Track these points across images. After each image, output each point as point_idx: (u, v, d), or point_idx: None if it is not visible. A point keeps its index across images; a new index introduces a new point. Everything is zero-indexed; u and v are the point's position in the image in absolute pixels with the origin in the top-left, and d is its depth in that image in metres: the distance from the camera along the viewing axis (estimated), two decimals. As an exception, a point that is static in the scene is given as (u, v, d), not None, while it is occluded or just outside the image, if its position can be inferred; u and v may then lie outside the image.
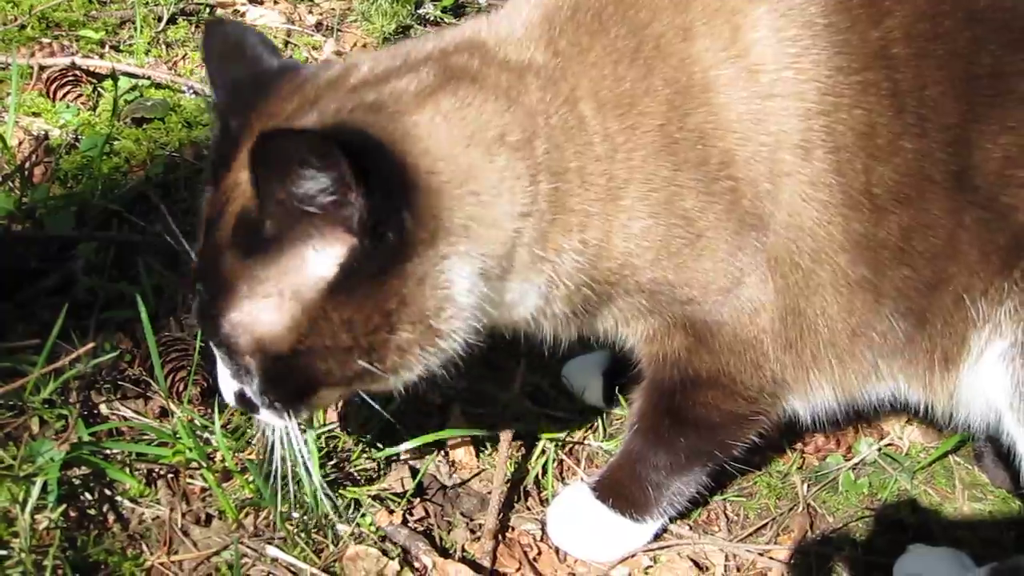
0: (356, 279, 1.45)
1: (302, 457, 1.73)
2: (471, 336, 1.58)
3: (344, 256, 1.45)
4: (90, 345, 1.91)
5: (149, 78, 2.98)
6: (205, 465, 1.87)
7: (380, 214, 1.41)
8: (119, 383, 2.10)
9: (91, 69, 3.00)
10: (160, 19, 3.38)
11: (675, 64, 1.59)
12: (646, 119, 1.58)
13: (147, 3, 3.44)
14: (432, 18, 3.77)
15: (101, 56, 3.14)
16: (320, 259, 1.45)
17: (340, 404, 2.03)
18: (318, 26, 3.61)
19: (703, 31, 1.59)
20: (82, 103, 2.88)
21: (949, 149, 1.63)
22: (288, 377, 1.56)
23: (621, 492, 1.97)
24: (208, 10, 3.54)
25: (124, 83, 2.98)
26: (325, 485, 1.85)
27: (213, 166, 1.60)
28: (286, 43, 3.45)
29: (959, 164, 1.64)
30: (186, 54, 3.23)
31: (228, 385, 1.65)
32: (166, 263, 2.39)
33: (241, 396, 1.65)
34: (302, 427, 1.72)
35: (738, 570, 2.03)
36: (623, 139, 1.58)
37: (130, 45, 3.25)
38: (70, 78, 2.93)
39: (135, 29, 3.27)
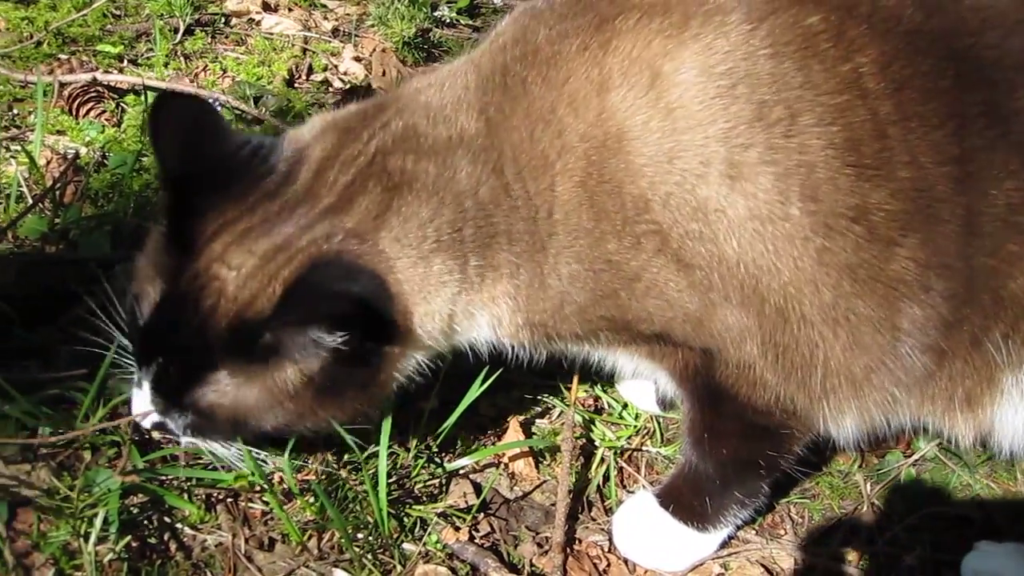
0: (339, 387, 1.64)
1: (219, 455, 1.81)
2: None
3: (331, 369, 1.60)
4: (143, 372, 1.86)
5: (173, 91, 2.93)
6: (268, 487, 1.83)
7: (367, 345, 1.61)
8: (169, 406, 2.05)
9: (112, 84, 2.95)
10: (176, 31, 3.33)
11: (591, 119, 1.59)
12: (563, 177, 1.60)
13: (162, 15, 3.39)
14: (448, 20, 3.73)
15: (120, 71, 3.09)
16: (311, 368, 1.60)
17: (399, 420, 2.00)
18: (335, 32, 3.57)
19: (619, 81, 1.58)
20: (106, 119, 2.84)
21: (953, 187, 1.58)
22: (240, 431, 1.71)
23: (682, 502, 1.94)
24: (224, 20, 3.50)
25: (147, 97, 2.93)
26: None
27: (174, 238, 1.64)
28: (304, 50, 3.40)
29: (966, 206, 1.58)
30: (206, 65, 3.19)
31: (149, 417, 1.74)
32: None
33: (161, 425, 1.75)
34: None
35: (808, 573, 1.99)
36: (542, 200, 1.62)
37: (148, 58, 3.21)
38: (92, 94, 2.88)
39: (153, 42, 3.23)
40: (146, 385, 1.70)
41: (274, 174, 1.64)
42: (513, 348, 1.80)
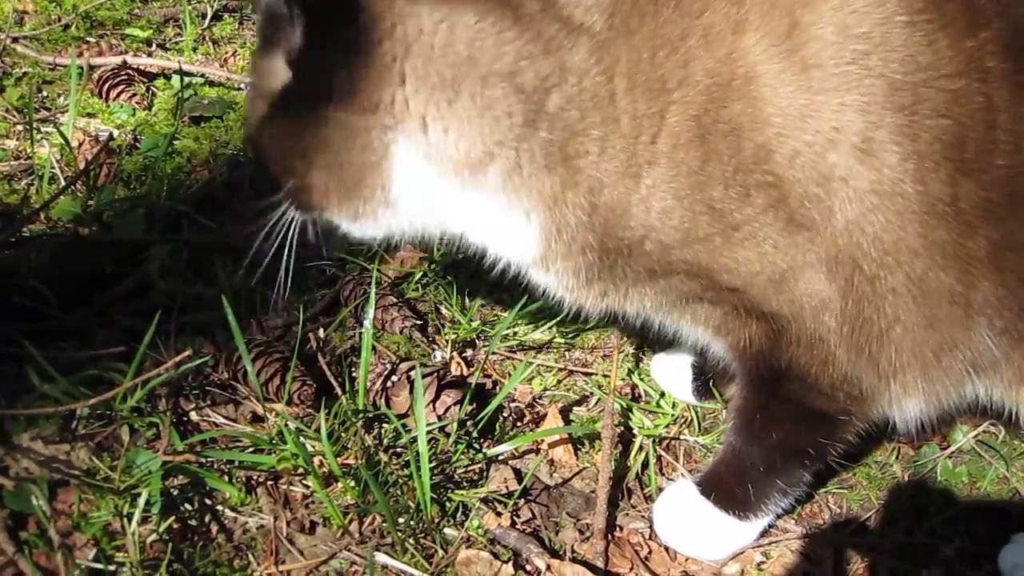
0: (317, 94, 1.54)
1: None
2: (419, 223, 1.67)
3: (304, 57, 1.53)
4: (186, 353, 1.86)
5: (204, 76, 2.92)
6: (311, 470, 1.82)
7: (312, 51, 1.51)
8: (206, 388, 2.05)
9: (143, 68, 2.94)
10: (204, 16, 3.33)
11: (721, 56, 1.52)
12: (679, 107, 1.53)
13: (190, 0, 3.39)
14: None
15: (149, 55, 3.08)
16: (277, 73, 1.57)
17: (439, 405, 1.99)
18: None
19: (757, 24, 1.52)
20: (136, 103, 2.83)
21: None
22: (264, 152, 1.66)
23: (723, 489, 1.92)
24: (251, 6, 3.48)
25: (177, 81, 2.93)
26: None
27: None
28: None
29: None
30: (235, 51, 3.17)
31: None
32: (240, 264, 2.34)
33: None
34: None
35: (848, 563, 1.98)
36: (649, 123, 1.54)
37: (176, 43, 3.21)
38: (123, 77, 2.88)
39: (182, 26, 3.22)
40: None
41: None
42: (562, 281, 1.70)
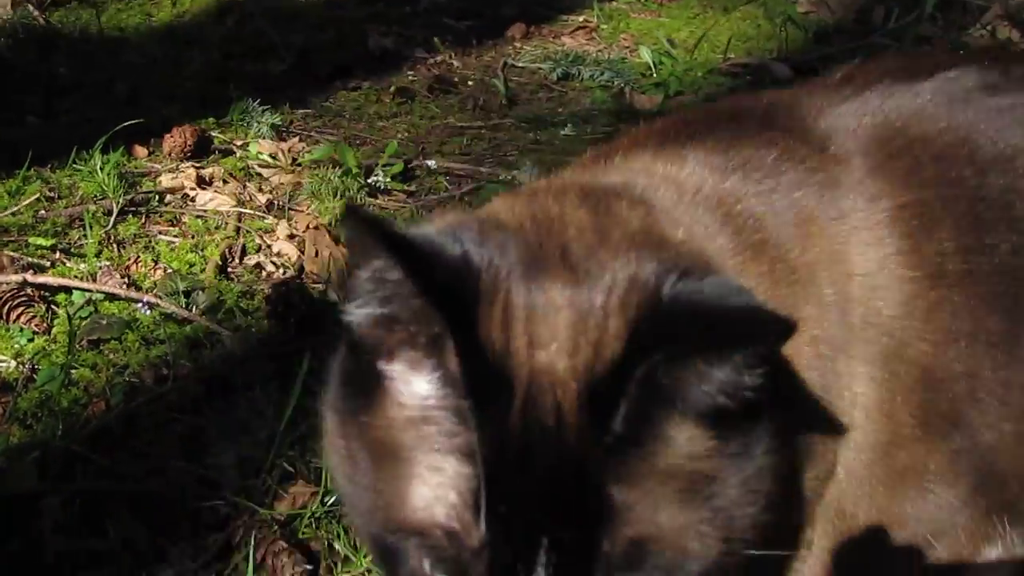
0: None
1: None
2: None
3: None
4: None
5: (104, 293, 2.95)
6: None
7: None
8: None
9: (43, 283, 2.96)
10: (110, 213, 3.36)
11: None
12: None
13: (95, 197, 3.43)
14: (382, 186, 3.78)
15: (52, 264, 3.11)
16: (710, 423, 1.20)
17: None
18: (269, 206, 3.58)
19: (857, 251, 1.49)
20: (36, 325, 2.84)
21: (999, 370, 1.53)
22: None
23: None
24: (158, 198, 3.54)
25: (78, 296, 2.96)
26: None
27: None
28: (238, 229, 3.43)
29: (1006, 383, 1.54)
30: (138, 256, 3.20)
31: None
32: (135, 510, 2.35)
33: None
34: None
35: None
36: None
37: (80, 247, 3.23)
38: (22, 298, 2.89)
39: (86, 229, 3.26)
40: None
41: None
42: None
